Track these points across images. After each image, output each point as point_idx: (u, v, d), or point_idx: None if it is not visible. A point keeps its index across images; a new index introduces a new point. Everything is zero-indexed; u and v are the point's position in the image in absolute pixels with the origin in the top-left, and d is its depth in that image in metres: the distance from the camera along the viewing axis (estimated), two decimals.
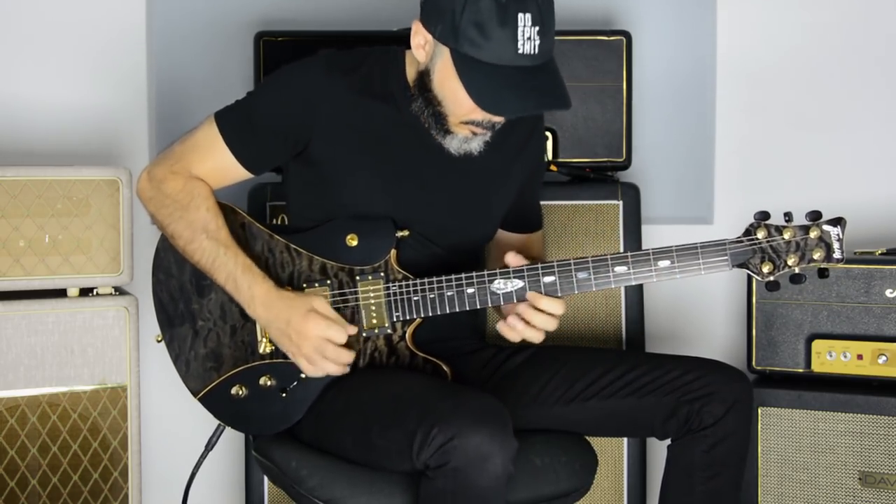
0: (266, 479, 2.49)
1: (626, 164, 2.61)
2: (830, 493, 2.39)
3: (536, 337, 2.02)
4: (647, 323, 2.63)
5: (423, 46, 2.00)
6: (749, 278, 2.46)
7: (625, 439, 2.55)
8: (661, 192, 2.89)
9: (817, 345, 2.42)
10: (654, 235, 2.81)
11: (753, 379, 2.46)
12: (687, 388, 2.03)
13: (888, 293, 2.37)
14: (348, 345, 2.05)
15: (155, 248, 2.19)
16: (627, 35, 2.60)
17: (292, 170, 2.16)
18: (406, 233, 2.09)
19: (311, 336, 2.01)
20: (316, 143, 2.08)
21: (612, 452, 2.55)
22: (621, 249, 2.57)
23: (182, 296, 2.15)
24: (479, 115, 1.98)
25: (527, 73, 1.92)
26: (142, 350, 2.47)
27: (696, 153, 2.93)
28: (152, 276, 2.18)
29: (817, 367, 2.42)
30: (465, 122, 2.01)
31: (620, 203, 2.58)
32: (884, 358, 2.37)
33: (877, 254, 2.47)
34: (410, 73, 2.08)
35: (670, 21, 2.91)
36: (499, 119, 2.00)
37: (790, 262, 1.95)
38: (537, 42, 1.90)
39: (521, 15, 1.88)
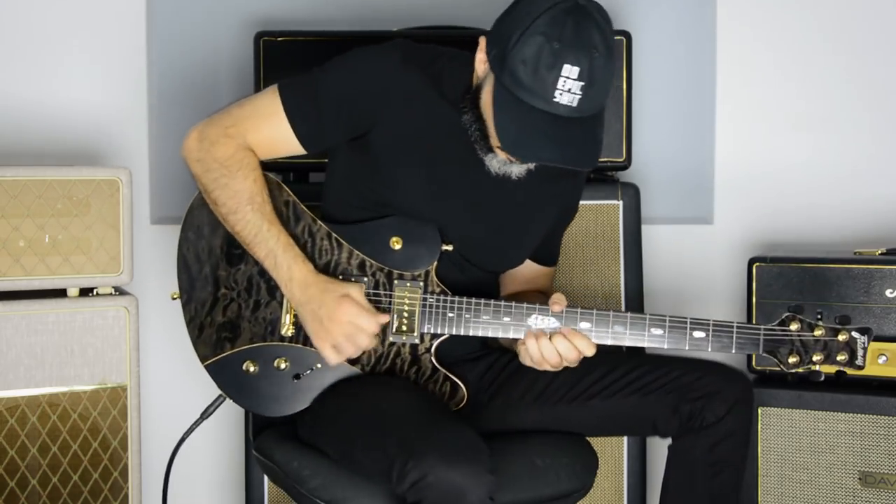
0: (266, 478, 2.49)
1: (626, 164, 2.61)
2: (830, 493, 2.39)
3: (551, 364, 2.01)
4: None
5: (482, 62, 1.99)
6: (749, 277, 2.46)
7: (625, 439, 2.55)
8: (661, 192, 2.88)
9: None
10: (654, 235, 2.81)
11: (753, 379, 2.46)
12: (689, 387, 2.04)
13: (888, 293, 2.37)
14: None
15: (189, 204, 2.14)
16: (627, 35, 2.59)
17: (342, 155, 2.12)
18: (451, 247, 2.07)
19: (343, 321, 1.99)
20: (377, 131, 2.04)
21: (613, 452, 2.55)
22: (621, 249, 2.57)
23: (209, 259, 2.12)
24: None
25: (559, 122, 1.90)
26: (142, 350, 2.47)
27: (696, 153, 2.93)
28: (181, 233, 2.14)
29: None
30: (500, 147, 1.99)
31: (620, 203, 2.58)
32: (884, 358, 2.37)
33: (877, 254, 2.47)
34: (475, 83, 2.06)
35: (670, 21, 2.91)
36: None
37: (815, 359, 1.99)
38: (578, 96, 1.88)
39: (567, 66, 1.87)
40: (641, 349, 2.55)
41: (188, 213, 2.14)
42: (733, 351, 2.00)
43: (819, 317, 2.00)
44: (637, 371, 2.08)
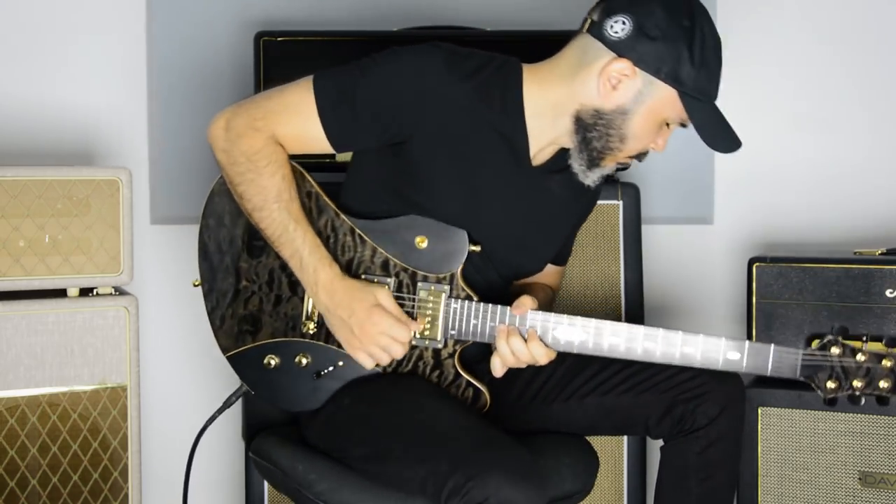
0: None
1: (626, 164, 2.61)
2: (830, 493, 2.39)
3: (503, 365, 2.00)
4: (647, 322, 2.63)
5: (614, 86, 1.94)
6: (749, 277, 2.46)
7: (625, 439, 2.55)
8: (661, 192, 2.88)
9: (817, 345, 2.41)
10: (654, 235, 2.81)
11: (754, 379, 2.46)
12: (682, 386, 2.03)
13: (888, 293, 2.37)
14: None
15: (210, 189, 2.08)
16: None
17: (374, 154, 2.03)
18: (478, 248, 2.01)
19: (375, 333, 1.94)
20: (417, 140, 1.96)
21: (612, 453, 2.55)
22: (621, 250, 2.57)
23: (231, 249, 2.07)
24: (645, 148, 2.03)
25: (718, 110, 2.00)
26: (142, 350, 2.47)
27: (696, 153, 2.92)
28: (201, 219, 2.08)
29: None
30: (632, 156, 2.04)
31: (620, 203, 2.57)
32: None
33: (877, 254, 2.47)
34: (536, 92, 2.01)
35: None
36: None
37: (856, 385, 1.89)
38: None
39: (722, 57, 1.97)
40: None
41: (209, 198, 2.07)
42: (769, 373, 1.92)
43: (865, 339, 1.92)
44: (630, 368, 2.07)
